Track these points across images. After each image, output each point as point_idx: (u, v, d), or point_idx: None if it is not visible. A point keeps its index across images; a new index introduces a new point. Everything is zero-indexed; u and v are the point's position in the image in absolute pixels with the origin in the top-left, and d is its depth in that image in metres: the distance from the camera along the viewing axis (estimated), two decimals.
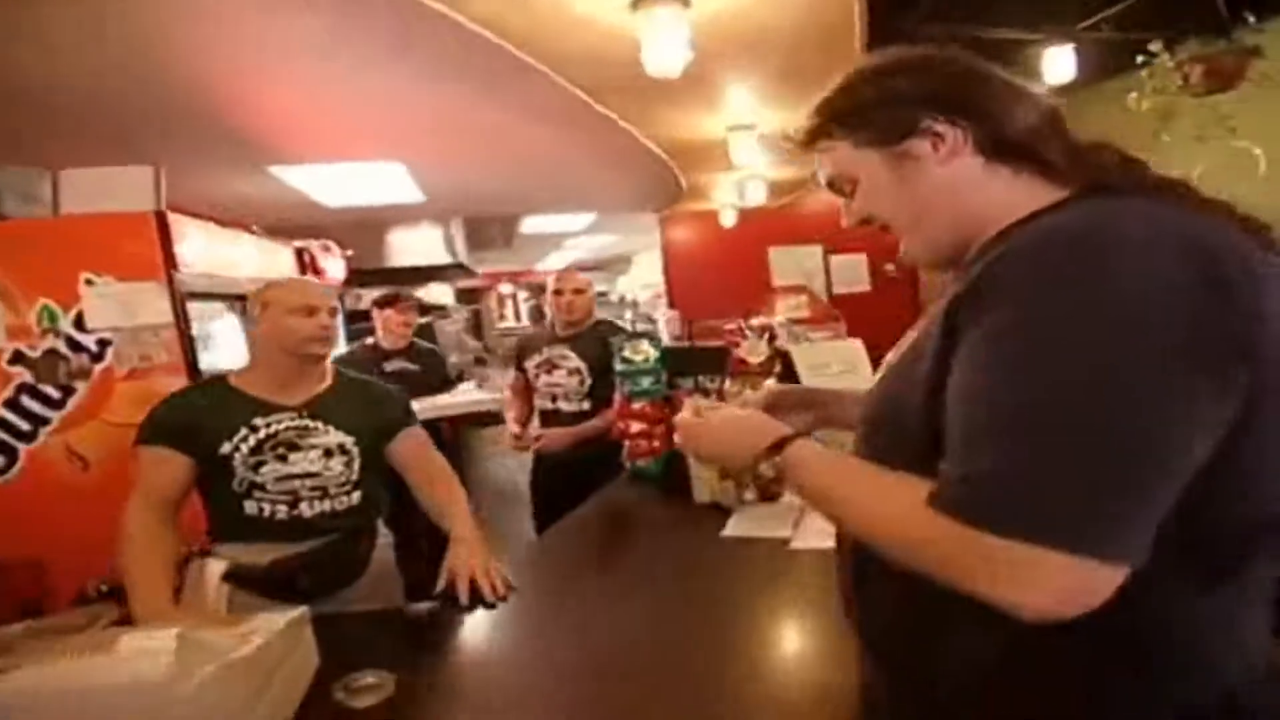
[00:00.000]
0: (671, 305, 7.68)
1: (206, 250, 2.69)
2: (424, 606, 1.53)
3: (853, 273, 7.58)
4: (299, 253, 3.83)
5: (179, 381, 2.47)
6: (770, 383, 1.17)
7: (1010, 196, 0.75)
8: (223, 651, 0.95)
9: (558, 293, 2.82)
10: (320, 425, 1.68)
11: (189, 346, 2.50)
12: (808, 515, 1.96)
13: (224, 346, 2.96)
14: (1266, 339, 0.58)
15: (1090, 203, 0.69)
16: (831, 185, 0.88)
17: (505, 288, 16.13)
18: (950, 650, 0.73)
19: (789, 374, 2.54)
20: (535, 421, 2.97)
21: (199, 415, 1.62)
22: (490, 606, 1.48)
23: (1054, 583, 0.58)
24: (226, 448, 1.59)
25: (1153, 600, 0.62)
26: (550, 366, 2.83)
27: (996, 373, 0.62)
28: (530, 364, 2.89)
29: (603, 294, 15.65)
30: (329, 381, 1.77)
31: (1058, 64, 2.93)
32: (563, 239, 9.79)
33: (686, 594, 1.62)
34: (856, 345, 2.53)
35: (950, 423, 0.66)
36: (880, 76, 0.81)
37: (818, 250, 7.59)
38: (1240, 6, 2.54)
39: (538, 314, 15.97)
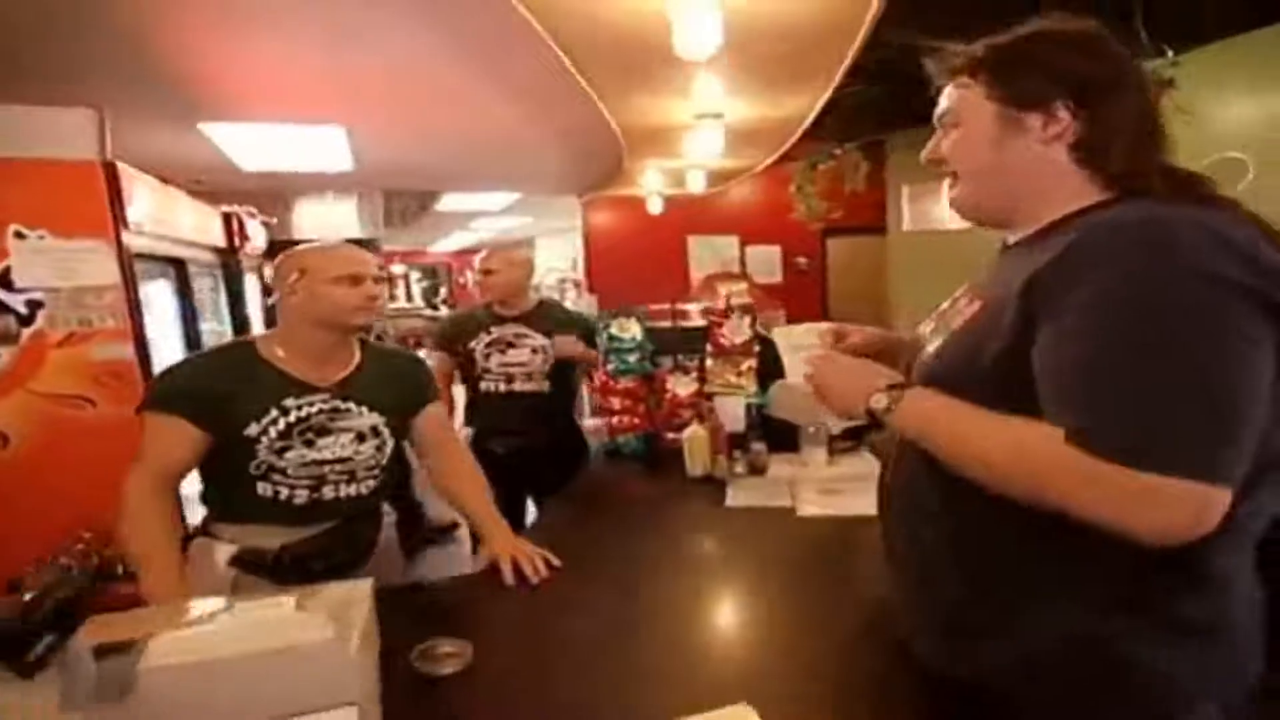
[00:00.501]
0: (591, 289, 7.68)
1: (152, 209, 2.47)
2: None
3: (767, 263, 7.87)
4: (226, 218, 3.57)
5: (125, 349, 2.28)
6: (872, 329, 1.25)
7: (1076, 192, 0.86)
8: (343, 616, 0.92)
9: (489, 271, 2.62)
10: (353, 407, 1.55)
11: (137, 312, 2.29)
12: (801, 487, 2.08)
13: (162, 313, 2.74)
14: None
15: (1139, 203, 0.81)
16: (940, 117, 0.96)
17: (397, 268, 15.54)
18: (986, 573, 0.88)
19: (766, 354, 2.65)
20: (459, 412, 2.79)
21: (225, 389, 1.46)
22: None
23: (1183, 507, 0.69)
24: (253, 429, 1.45)
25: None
26: (505, 345, 2.65)
27: (1100, 337, 0.73)
28: (476, 345, 2.64)
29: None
30: (358, 356, 1.63)
31: None
32: (472, 219, 9.54)
33: (714, 557, 1.70)
34: (821, 328, 2.66)
35: (1056, 382, 0.76)
36: (1046, 44, 0.87)
37: (735, 240, 7.82)
38: (1160, 40, 2.88)
39: (432, 294, 15.48)
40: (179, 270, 2.94)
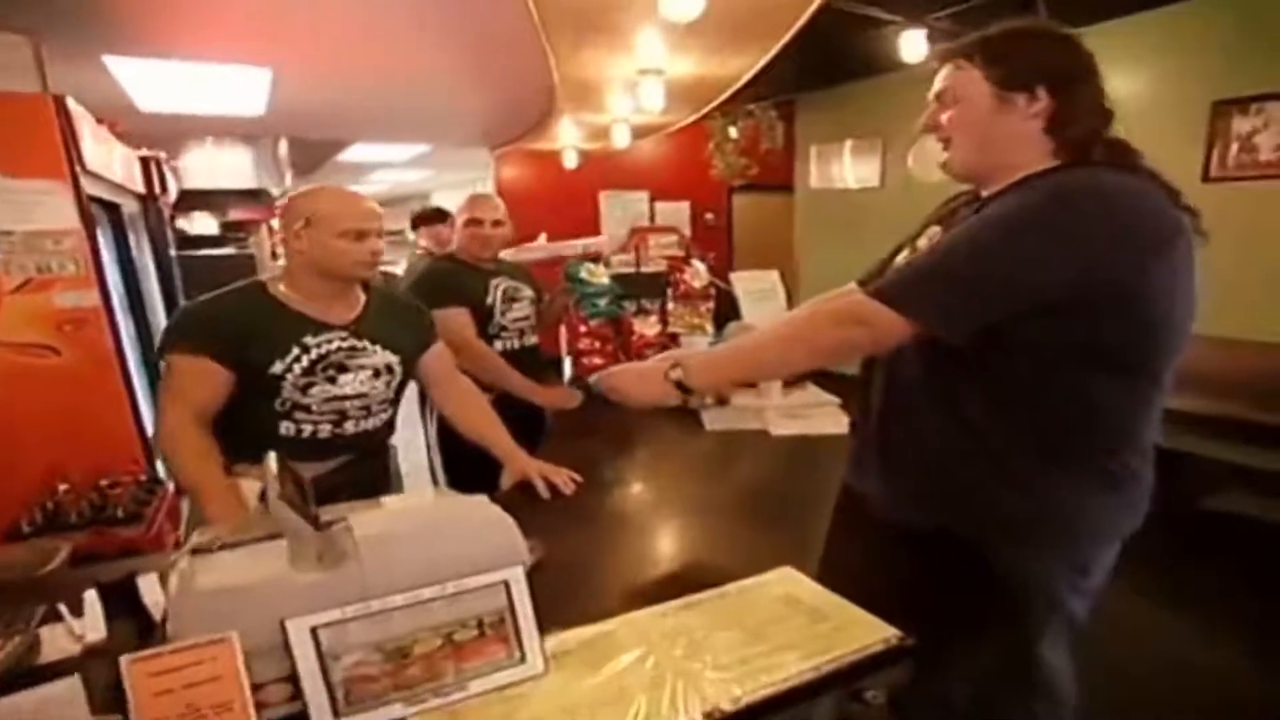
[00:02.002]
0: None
1: (95, 150, 2.35)
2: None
3: (676, 219, 8.06)
4: (145, 163, 3.38)
5: (89, 298, 2.20)
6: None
7: (1038, 157, 1.11)
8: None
9: (499, 223, 2.42)
10: (368, 345, 1.62)
11: (98, 258, 2.21)
12: (769, 413, 2.34)
13: (107, 262, 2.61)
14: (1144, 259, 0.98)
15: (1083, 169, 1.06)
16: (939, 94, 1.18)
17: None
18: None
19: (722, 297, 2.88)
20: None
21: (246, 328, 1.50)
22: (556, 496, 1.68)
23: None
24: (278, 367, 1.50)
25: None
26: (510, 300, 2.47)
27: (951, 237, 1.05)
28: (494, 300, 2.41)
29: (397, 232, 14.79)
30: (364, 297, 1.69)
31: (912, 44, 3.52)
32: (373, 170, 9.17)
33: (714, 465, 1.96)
34: (774, 274, 2.93)
35: None
36: (1033, 40, 1.12)
37: (644, 196, 7.98)
38: (1060, 18, 3.25)
39: None
40: (115, 216, 2.80)
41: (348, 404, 1.60)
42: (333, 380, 1.57)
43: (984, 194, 1.18)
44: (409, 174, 9.44)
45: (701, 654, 0.93)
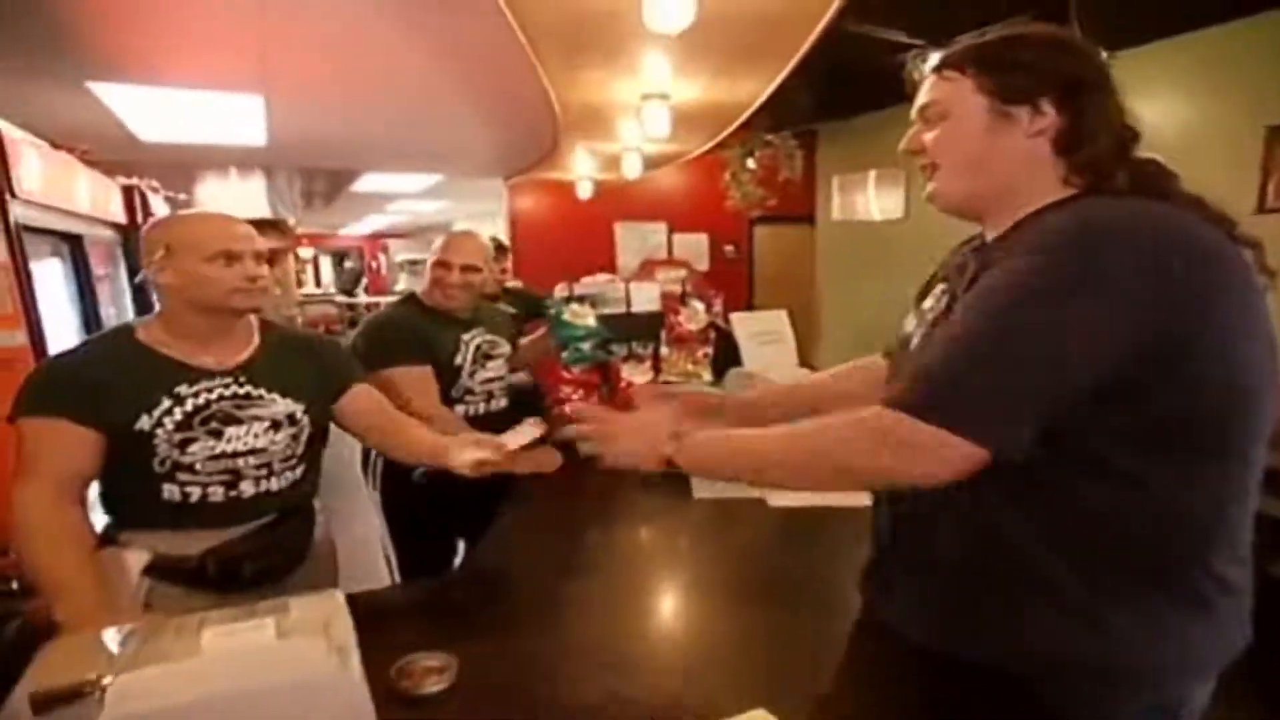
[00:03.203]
0: (515, 275, 7.49)
1: (42, 176, 2.19)
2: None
3: (694, 251, 7.86)
4: (127, 191, 3.25)
5: (15, 336, 2.01)
6: (694, 390, 1.25)
7: (1050, 186, 0.88)
8: (330, 636, 0.81)
9: (472, 269, 2.06)
10: (263, 392, 1.40)
11: (29, 294, 2.02)
12: None
13: (54, 295, 2.45)
14: (1201, 308, 0.74)
15: (1097, 200, 0.84)
16: (922, 109, 0.96)
17: (305, 251, 14.75)
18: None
19: (722, 342, 2.62)
20: None
21: (106, 381, 1.27)
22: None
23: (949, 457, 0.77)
24: (145, 423, 1.28)
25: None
26: (484, 357, 2.14)
27: (967, 310, 0.80)
28: (462, 358, 2.09)
29: (418, 262, 14.86)
30: (258, 338, 1.46)
31: None
32: (389, 201, 9.14)
33: (695, 551, 1.66)
34: (782, 315, 2.66)
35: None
36: (1034, 46, 0.90)
37: (663, 227, 7.79)
38: (1094, 41, 3.01)
39: (352, 283, 14.77)
40: (75, 247, 2.63)
41: (240, 461, 1.36)
42: (218, 435, 1.33)
43: (987, 237, 0.95)
44: (425, 205, 9.39)
45: None
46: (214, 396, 1.34)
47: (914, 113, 0.98)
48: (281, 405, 1.41)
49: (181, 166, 5.45)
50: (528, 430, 1.54)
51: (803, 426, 0.89)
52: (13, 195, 1.96)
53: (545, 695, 1.07)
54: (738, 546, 1.68)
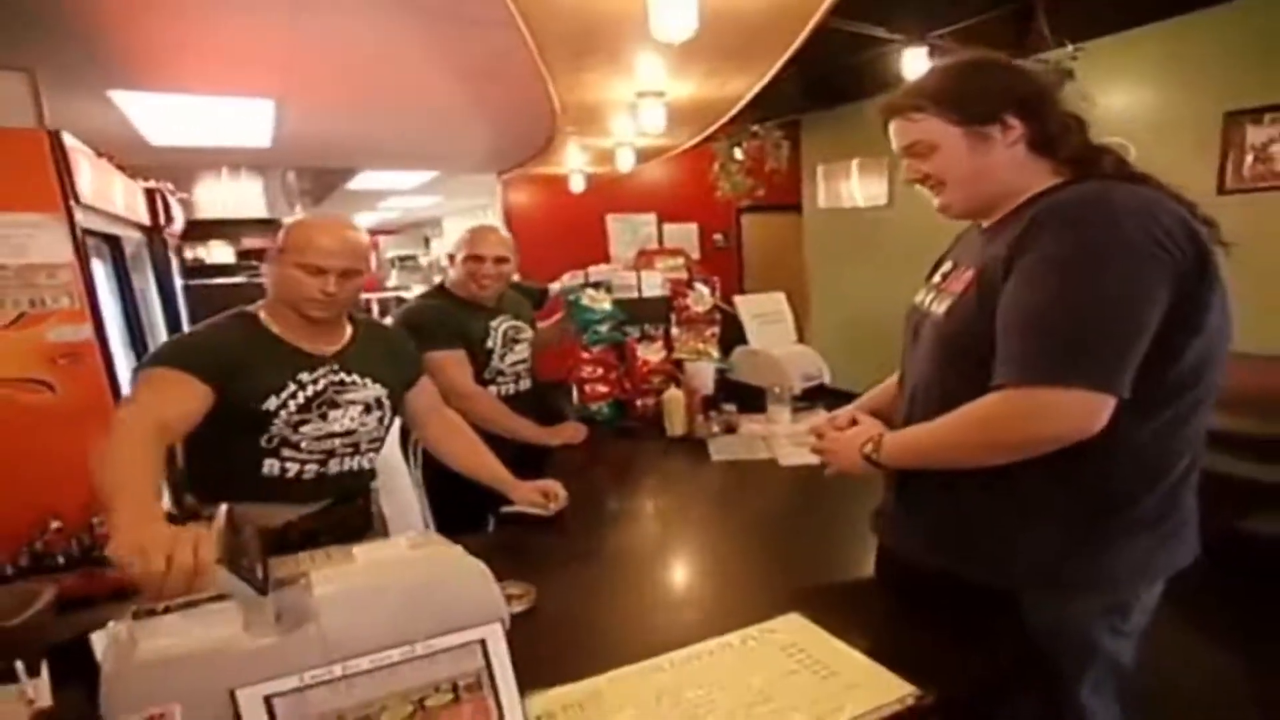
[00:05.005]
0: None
1: (92, 182, 2.33)
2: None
3: (684, 241, 8.04)
4: (150, 194, 3.38)
5: (83, 331, 2.16)
6: (850, 410, 1.45)
7: (1038, 178, 1.08)
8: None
9: (503, 260, 2.23)
10: (356, 378, 1.54)
11: (92, 291, 2.18)
12: (776, 441, 2.26)
13: (105, 295, 2.59)
14: (1191, 261, 0.93)
15: (1089, 183, 1.03)
16: (908, 149, 1.15)
17: None
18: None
19: (726, 322, 2.82)
20: None
21: (244, 360, 1.41)
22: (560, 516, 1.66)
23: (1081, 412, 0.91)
24: (272, 403, 1.42)
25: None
26: (511, 342, 2.33)
27: (1040, 290, 0.95)
28: (493, 343, 2.27)
29: (410, 257, 14.86)
30: (349, 329, 1.61)
31: (913, 63, 3.47)
32: (382, 198, 9.23)
33: (721, 501, 1.88)
34: (781, 297, 2.86)
35: (1002, 325, 0.98)
36: (980, 73, 1.10)
37: (653, 218, 7.96)
38: (1061, 33, 3.24)
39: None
40: (115, 248, 2.78)
41: (337, 442, 1.53)
42: (324, 418, 1.49)
43: (985, 225, 1.15)
44: (418, 200, 9.48)
45: (698, 717, 0.85)
46: (326, 383, 1.50)
47: (898, 151, 1.17)
48: (372, 390, 1.57)
49: (183, 167, 5.54)
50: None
51: (953, 420, 1.02)
52: (77, 202, 2.11)
53: (607, 615, 1.27)
54: (756, 497, 1.89)
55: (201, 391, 1.35)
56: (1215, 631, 2.48)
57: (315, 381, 1.49)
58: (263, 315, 1.52)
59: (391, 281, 13.00)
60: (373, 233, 14.91)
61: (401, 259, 14.12)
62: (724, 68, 3.19)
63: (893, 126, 1.16)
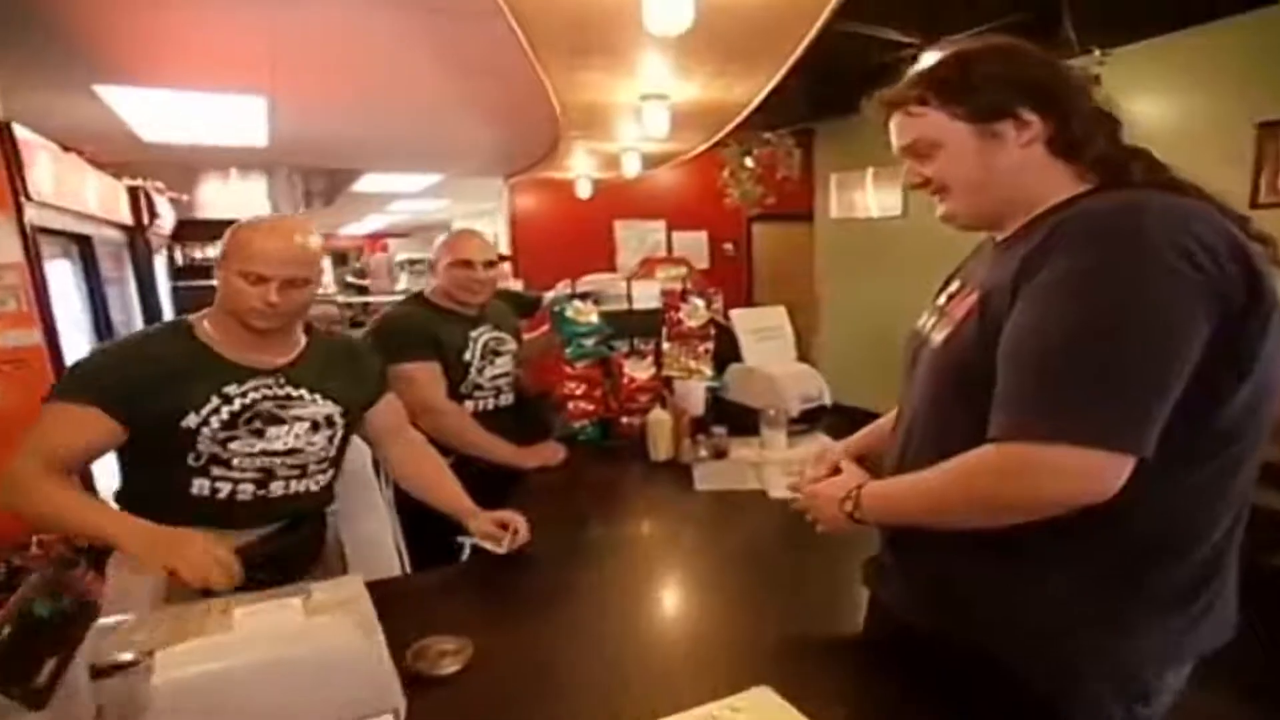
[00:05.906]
0: (516, 274, 7.52)
1: (53, 179, 2.22)
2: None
3: (693, 249, 7.89)
4: (133, 192, 3.28)
5: (31, 336, 2.05)
6: (840, 448, 1.31)
7: (1058, 185, 0.91)
8: (355, 617, 0.85)
9: (491, 264, 2.12)
10: (304, 393, 1.43)
11: (43, 293, 2.06)
12: (767, 469, 2.09)
13: (65, 295, 2.48)
14: (1238, 283, 0.75)
15: (1119, 192, 0.86)
16: (908, 148, 0.99)
17: None
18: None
19: (723, 337, 2.66)
20: None
21: (155, 376, 1.30)
22: (520, 552, 1.51)
23: (1092, 474, 0.75)
24: (191, 420, 1.30)
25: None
26: (491, 354, 2.18)
27: (1054, 319, 0.78)
28: (471, 354, 2.12)
29: (419, 261, 14.82)
30: (303, 341, 1.49)
31: None
32: (389, 201, 9.17)
33: (699, 541, 1.71)
34: (781, 311, 2.70)
35: (1005, 359, 0.82)
36: (993, 60, 0.92)
37: (662, 226, 7.82)
38: (1088, 40, 3.08)
39: (358, 279, 14.75)
40: (84, 248, 2.67)
41: (277, 461, 1.39)
42: (259, 434, 1.37)
43: (999, 238, 0.98)
44: (425, 204, 9.42)
45: None
46: (259, 396, 1.37)
47: (898, 152, 1.01)
48: (322, 407, 1.44)
49: (183, 167, 5.48)
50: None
51: (936, 477, 0.88)
52: (27, 198, 2.00)
53: (555, 676, 1.11)
54: (739, 534, 1.72)
55: (102, 421, 1.27)
56: (1250, 690, 2.28)
57: (244, 395, 1.36)
58: (204, 324, 1.41)
59: (401, 285, 12.96)
60: (381, 235, 14.93)
61: (411, 262, 14.11)
62: (729, 70, 3.06)
63: (893, 122, 1.00)
